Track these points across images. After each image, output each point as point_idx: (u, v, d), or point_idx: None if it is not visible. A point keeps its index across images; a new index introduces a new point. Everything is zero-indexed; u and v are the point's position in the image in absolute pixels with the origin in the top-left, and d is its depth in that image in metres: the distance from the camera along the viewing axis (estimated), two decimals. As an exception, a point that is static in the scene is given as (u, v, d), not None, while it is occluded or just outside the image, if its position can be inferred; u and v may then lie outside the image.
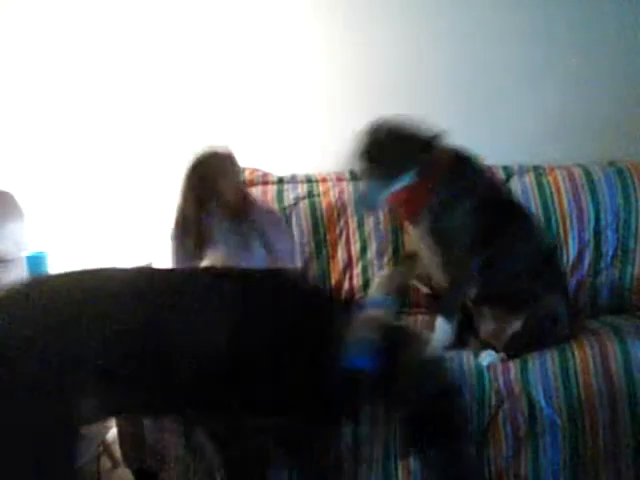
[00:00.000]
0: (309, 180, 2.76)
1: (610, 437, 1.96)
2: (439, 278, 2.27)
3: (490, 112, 2.85)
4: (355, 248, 2.62)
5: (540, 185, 2.59)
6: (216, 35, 2.92)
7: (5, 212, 2.85)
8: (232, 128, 2.88)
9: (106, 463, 2.55)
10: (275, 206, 2.65)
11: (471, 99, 2.85)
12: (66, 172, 2.99)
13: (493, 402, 1.98)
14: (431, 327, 2.17)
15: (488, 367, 2.04)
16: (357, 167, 2.21)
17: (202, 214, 2.32)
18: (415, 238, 2.29)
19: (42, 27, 2.98)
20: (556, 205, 2.55)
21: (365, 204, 2.24)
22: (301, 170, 2.80)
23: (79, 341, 1.52)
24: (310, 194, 2.70)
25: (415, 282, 2.49)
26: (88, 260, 2.76)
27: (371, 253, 2.61)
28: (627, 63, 2.79)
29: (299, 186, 2.73)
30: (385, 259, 2.60)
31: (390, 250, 2.60)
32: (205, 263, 2.21)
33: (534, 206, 2.55)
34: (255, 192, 2.68)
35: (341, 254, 2.63)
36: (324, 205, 2.67)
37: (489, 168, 2.45)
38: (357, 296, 2.50)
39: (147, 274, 1.88)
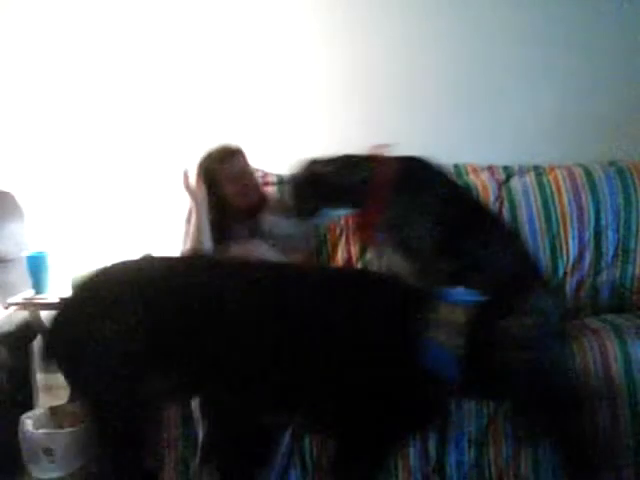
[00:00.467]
0: (309, 180, 2.75)
1: (610, 437, 1.96)
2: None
3: (490, 112, 2.85)
4: (355, 248, 2.62)
5: (540, 185, 2.59)
6: (216, 37, 2.92)
7: (5, 212, 2.86)
8: (232, 128, 2.88)
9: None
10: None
11: (471, 99, 2.85)
12: (66, 172, 3.00)
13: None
14: None
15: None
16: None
17: (217, 206, 2.36)
18: (377, 258, 2.30)
19: (42, 28, 2.98)
20: (557, 205, 2.54)
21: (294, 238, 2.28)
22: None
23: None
24: (310, 194, 2.70)
25: None
26: (88, 260, 2.77)
27: (371, 253, 2.60)
28: (627, 63, 2.79)
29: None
30: (385, 259, 2.59)
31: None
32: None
33: (534, 206, 2.55)
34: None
35: (341, 254, 2.63)
36: (324, 205, 2.66)
37: (445, 169, 2.39)
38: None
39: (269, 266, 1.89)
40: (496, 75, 2.85)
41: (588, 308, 2.49)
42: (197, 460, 2.03)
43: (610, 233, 2.52)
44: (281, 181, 2.59)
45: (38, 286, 2.58)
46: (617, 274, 2.51)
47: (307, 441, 2.04)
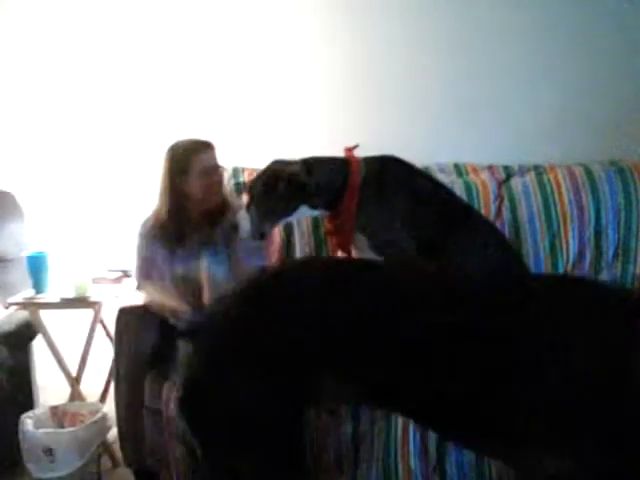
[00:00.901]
0: (309, 180, 2.75)
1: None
2: None
3: (490, 112, 2.85)
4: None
5: (541, 184, 2.59)
6: (216, 37, 2.92)
7: (5, 212, 2.86)
8: (232, 128, 2.89)
9: (107, 463, 2.55)
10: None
11: (471, 99, 2.85)
12: (66, 172, 3.00)
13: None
14: None
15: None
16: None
17: (180, 209, 2.29)
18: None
19: (42, 29, 2.99)
20: (557, 204, 2.54)
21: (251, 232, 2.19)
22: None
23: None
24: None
25: None
26: (88, 260, 2.77)
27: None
28: (627, 63, 2.79)
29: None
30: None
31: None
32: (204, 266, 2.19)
33: (535, 205, 2.54)
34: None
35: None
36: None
37: (417, 167, 2.32)
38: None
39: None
40: (496, 75, 2.85)
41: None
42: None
43: (610, 232, 2.52)
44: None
45: (38, 286, 2.57)
46: (617, 273, 2.51)
47: (307, 441, 2.04)
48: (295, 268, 1.73)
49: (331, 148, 2.24)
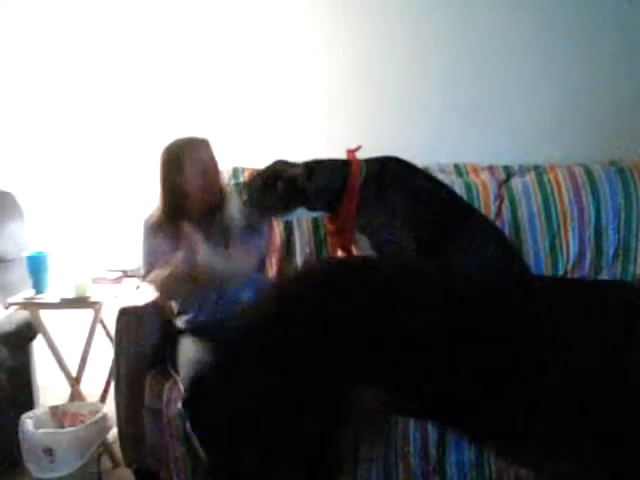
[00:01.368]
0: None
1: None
2: None
3: (490, 112, 2.85)
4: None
5: (541, 184, 2.59)
6: (215, 38, 2.92)
7: (5, 212, 2.86)
8: (232, 128, 2.89)
9: (107, 463, 2.55)
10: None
11: (472, 99, 2.85)
12: (66, 172, 3.00)
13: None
14: None
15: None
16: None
17: (178, 206, 2.29)
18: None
19: (42, 29, 2.99)
20: (557, 204, 2.54)
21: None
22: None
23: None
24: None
25: None
26: (88, 260, 2.77)
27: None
28: (627, 63, 2.79)
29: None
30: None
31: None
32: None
33: (535, 205, 2.54)
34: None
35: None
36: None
37: (418, 167, 2.33)
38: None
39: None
40: (496, 75, 2.85)
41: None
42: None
43: (610, 232, 2.52)
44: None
45: (38, 286, 2.57)
46: (617, 273, 2.51)
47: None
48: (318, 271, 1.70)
49: (331, 148, 2.25)
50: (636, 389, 1.34)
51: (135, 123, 2.96)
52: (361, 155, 2.22)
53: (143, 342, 2.26)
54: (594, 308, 1.43)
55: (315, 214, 2.25)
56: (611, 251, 2.52)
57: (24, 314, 2.62)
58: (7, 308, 2.61)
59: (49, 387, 2.80)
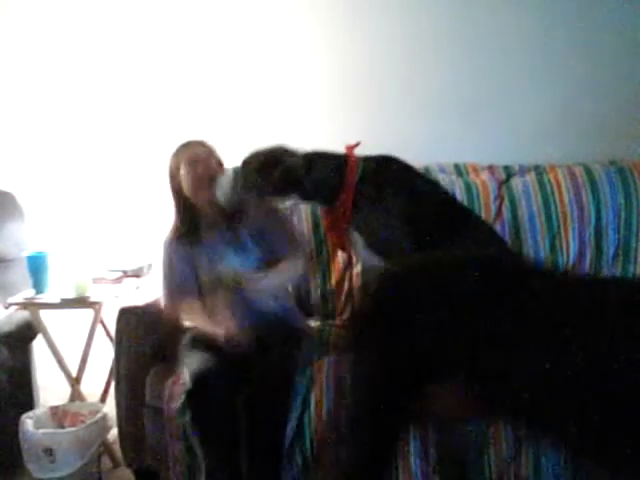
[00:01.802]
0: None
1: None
2: None
3: (491, 111, 2.85)
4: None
5: (541, 184, 2.59)
6: (217, 37, 2.92)
7: (5, 212, 2.86)
8: (232, 128, 2.88)
9: (107, 463, 2.55)
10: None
11: (472, 98, 2.85)
12: (66, 172, 3.00)
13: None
14: None
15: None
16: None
17: (192, 217, 2.28)
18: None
19: (42, 28, 2.99)
20: (557, 204, 2.54)
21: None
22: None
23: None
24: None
25: None
26: (88, 260, 2.77)
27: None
28: (627, 63, 2.78)
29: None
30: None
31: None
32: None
33: (535, 205, 2.55)
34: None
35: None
36: (324, 205, 2.66)
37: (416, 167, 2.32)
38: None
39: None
40: (496, 75, 2.85)
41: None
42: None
43: (610, 232, 2.52)
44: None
45: (38, 286, 2.57)
46: (617, 273, 2.51)
47: (307, 440, 2.04)
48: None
49: (331, 148, 2.25)
50: (636, 389, 1.34)
51: (135, 123, 2.96)
52: (360, 154, 2.22)
53: (143, 342, 2.26)
54: (594, 308, 1.42)
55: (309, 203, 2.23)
56: (611, 251, 2.52)
57: (24, 314, 2.62)
58: (7, 308, 2.61)
59: (49, 387, 2.80)
